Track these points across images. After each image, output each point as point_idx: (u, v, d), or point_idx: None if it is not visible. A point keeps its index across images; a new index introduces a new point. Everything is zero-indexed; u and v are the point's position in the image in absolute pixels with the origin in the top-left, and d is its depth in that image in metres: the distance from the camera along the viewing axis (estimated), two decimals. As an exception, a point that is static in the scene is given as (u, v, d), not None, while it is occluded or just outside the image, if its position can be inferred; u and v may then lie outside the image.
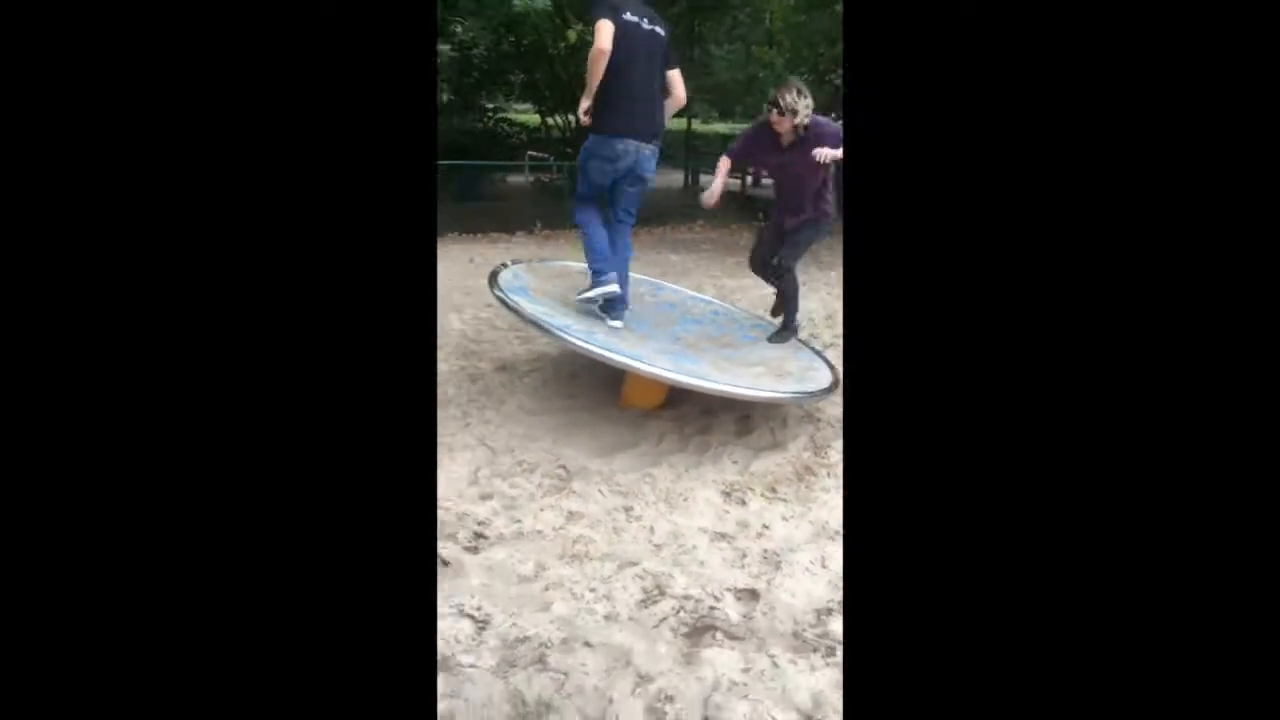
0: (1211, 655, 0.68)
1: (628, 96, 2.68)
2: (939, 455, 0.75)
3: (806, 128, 2.92)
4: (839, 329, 4.21)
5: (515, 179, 11.01)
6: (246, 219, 0.76)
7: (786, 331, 3.23)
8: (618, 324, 2.87)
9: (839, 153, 2.82)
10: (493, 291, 2.70)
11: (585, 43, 6.72)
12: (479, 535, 1.94)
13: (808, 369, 2.84)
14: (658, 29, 2.77)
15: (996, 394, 0.74)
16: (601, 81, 2.62)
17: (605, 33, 2.57)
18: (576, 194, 2.98)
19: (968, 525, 0.73)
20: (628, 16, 2.65)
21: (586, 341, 2.44)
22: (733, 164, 3.11)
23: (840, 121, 3.16)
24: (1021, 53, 0.74)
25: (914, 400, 0.76)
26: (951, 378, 0.75)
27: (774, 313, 3.43)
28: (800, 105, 2.87)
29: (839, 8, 6.50)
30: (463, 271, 5.12)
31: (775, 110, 2.86)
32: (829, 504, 2.22)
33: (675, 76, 2.85)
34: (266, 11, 0.76)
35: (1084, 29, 0.73)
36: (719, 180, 3.05)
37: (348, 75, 0.77)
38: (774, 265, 3.18)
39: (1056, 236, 0.73)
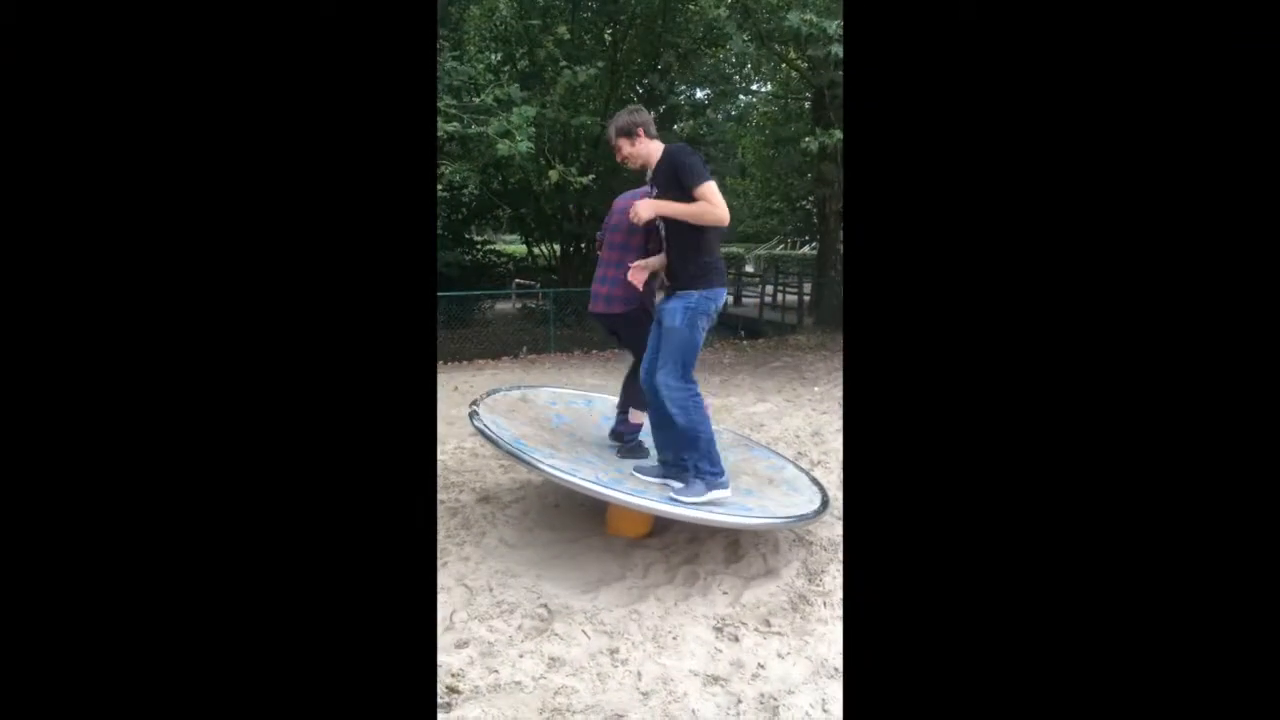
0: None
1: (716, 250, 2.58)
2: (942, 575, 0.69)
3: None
4: (827, 446, 4.17)
5: (502, 306, 11.28)
6: (244, 362, 0.76)
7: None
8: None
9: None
10: (473, 422, 2.67)
11: (566, 181, 7.11)
12: (452, 690, 1.80)
13: (796, 491, 2.78)
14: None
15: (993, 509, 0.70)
16: (704, 237, 2.51)
17: (719, 197, 2.46)
18: (681, 369, 2.46)
19: (975, 662, 0.67)
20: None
21: (564, 473, 2.38)
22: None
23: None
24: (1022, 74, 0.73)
25: (915, 526, 0.72)
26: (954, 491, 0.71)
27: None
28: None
29: (804, 143, 6.96)
30: (446, 401, 5.11)
31: None
32: (827, 637, 2.10)
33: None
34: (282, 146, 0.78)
35: (1083, 44, 0.72)
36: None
37: (351, 211, 0.80)
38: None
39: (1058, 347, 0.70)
